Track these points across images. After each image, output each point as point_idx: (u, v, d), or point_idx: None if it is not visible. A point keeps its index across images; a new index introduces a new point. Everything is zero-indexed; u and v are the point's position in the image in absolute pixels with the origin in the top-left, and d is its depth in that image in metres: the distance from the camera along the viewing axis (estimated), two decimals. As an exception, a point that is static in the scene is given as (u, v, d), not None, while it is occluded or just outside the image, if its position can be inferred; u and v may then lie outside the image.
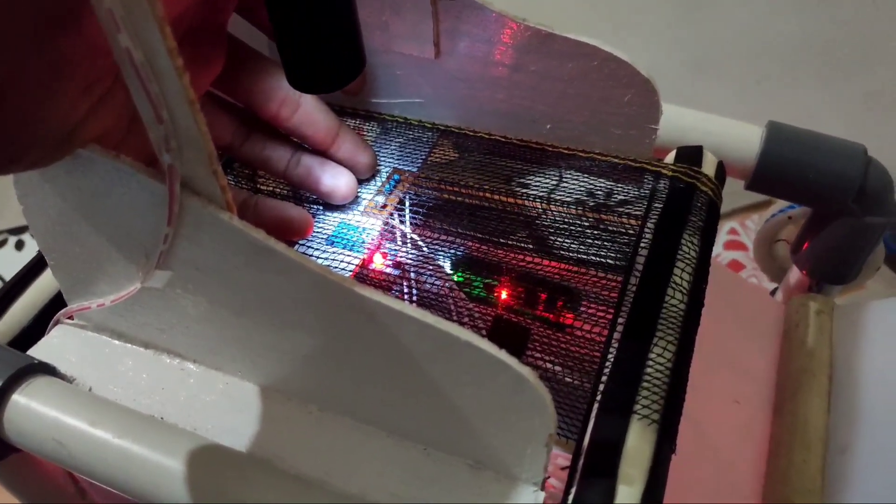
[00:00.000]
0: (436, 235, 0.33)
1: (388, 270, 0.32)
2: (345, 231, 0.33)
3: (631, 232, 0.31)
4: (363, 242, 0.33)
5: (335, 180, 0.33)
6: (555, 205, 0.33)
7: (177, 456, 0.23)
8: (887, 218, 0.34)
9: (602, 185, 0.33)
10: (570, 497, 0.22)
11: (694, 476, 0.32)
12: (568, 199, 0.33)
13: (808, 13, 0.72)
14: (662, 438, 0.23)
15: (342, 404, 0.25)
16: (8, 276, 0.81)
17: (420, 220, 0.33)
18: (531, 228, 0.33)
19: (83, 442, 0.24)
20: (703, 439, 0.34)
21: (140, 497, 0.23)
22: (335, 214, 0.34)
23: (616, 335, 0.26)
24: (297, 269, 0.21)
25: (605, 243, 0.31)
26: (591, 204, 0.33)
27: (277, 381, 0.26)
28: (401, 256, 0.32)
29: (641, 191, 0.32)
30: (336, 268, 0.31)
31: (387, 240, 0.33)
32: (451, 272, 0.32)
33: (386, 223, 0.33)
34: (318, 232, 0.33)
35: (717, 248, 0.79)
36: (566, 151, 0.34)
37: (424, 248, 0.32)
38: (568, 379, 0.28)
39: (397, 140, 0.37)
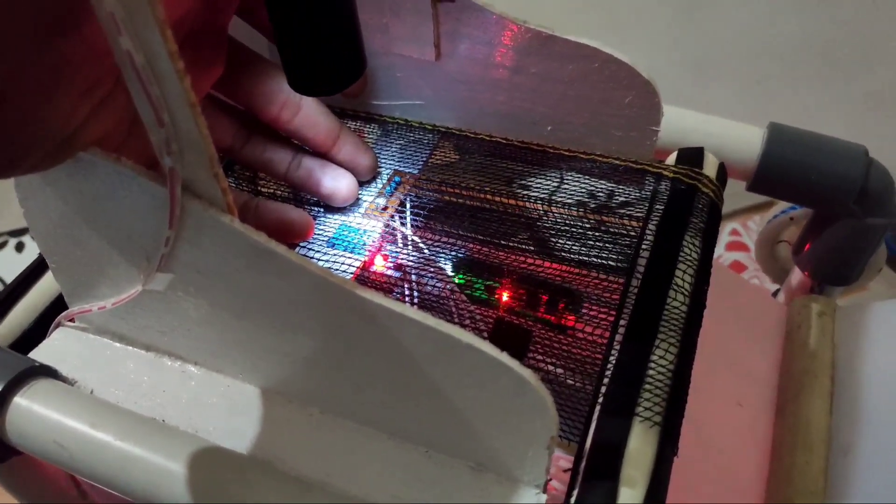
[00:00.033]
0: (437, 237, 0.33)
1: (390, 272, 0.32)
2: (346, 233, 0.33)
3: (632, 234, 0.31)
4: (364, 244, 0.33)
5: (336, 182, 0.33)
6: (556, 206, 0.33)
7: (178, 458, 0.23)
8: (889, 219, 0.34)
9: (603, 186, 0.33)
10: (573, 499, 0.22)
11: (696, 478, 0.32)
12: (569, 201, 0.33)
13: (808, 13, 0.72)
14: (664, 440, 0.22)
15: (343, 406, 0.25)
16: (8, 279, 0.81)
17: (421, 222, 0.33)
18: (532, 230, 0.33)
19: (84, 444, 0.24)
20: (705, 441, 0.34)
21: (141, 499, 0.23)
22: (336, 217, 0.34)
23: (618, 337, 0.26)
24: (298, 271, 0.21)
25: (607, 245, 0.31)
26: (593, 206, 0.33)
27: (279, 384, 0.26)
28: (402, 258, 0.32)
29: (643, 192, 0.32)
30: (337, 270, 0.31)
31: (388, 242, 0.33)
32: (453, 274, 0.32)
33: (387, 225, 0.33)
34: (318, 234, 0.33)
35: (719, 250, 0.79)
36: (567, 153, 0.34)
37: (425, 250, 0.32)
38: (570, 381, 0.28)
39: (398, 142, 0.37)
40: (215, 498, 0.22)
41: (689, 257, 0.28)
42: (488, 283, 0.31)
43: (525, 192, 0.33)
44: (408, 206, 0.34)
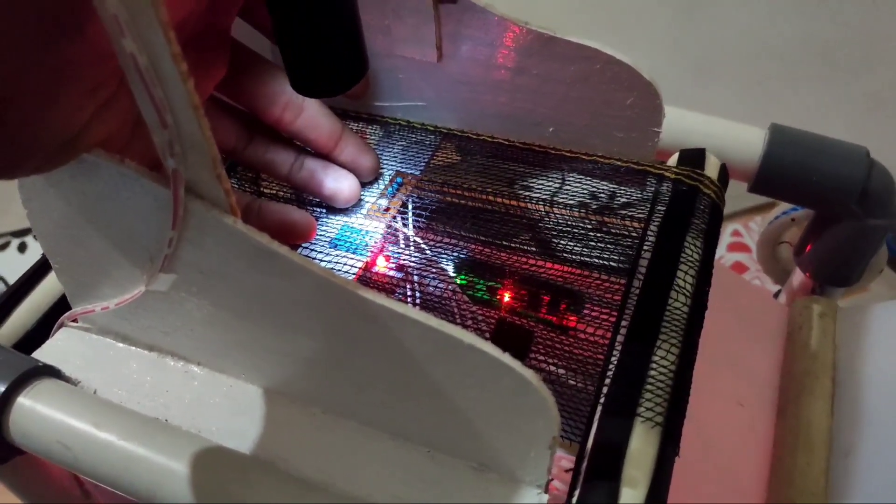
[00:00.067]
0: (439, 238, 0.33)
1: (392, 273, 0.32)
2: (348, 234, 0.33)
3: (634, 234, 0.31)
4: (366, 245, 0.33)
5: (338, 183, 0.33)
6: (558, 207, 0.33)
7: (181, 458, 0.23)
8: (890, 220, 0.34)
9: (605, 187, 0.33)
10: (574, 499, 0.22)
11: (697, 478, 0.32)
12: (571, 202, 0.33)
13: (808, 14, 0.72)
14: (666, 441, 0.23)
15: (345, 407, 0.25)
16: (11, 279, 0.81)
17: (423, 222, 0.33)
18: (534, 231, 0.33)
19: (88, 444, 0.24)
20: (706, 441, 0.34)
21: (145, 499, 0.23)
22: (338, 217, 0.34)
23: (619, 338, 0.26)
24: (300, 272, 0.21)
25: (608, 246, 0.31)
26: (594, 207, 0.33)
27: (281, 384, 0.26)
28: (404, 259, 0.32)
29: (644, 193, 0.32)
30: (339, 271, 0.32)
31: (390, 243, 0.33)
32: (454, 275, 0.32)
33: (389, 226, 0.33)
34: (321, 235, 0.33)
35: (721, 250, 0.78)
36: (569, 154, 0.34)
37: (427, 251, 0.32)
38: (571, 381, 0.28)
39: (400, 143, 0.37)
40: (217, 498, 0.22)
41: (690, 258, 0.28)
42: (490, 283, 0.31)
43: (527, 194, 0.33)
44: (410, 207, 0.34)
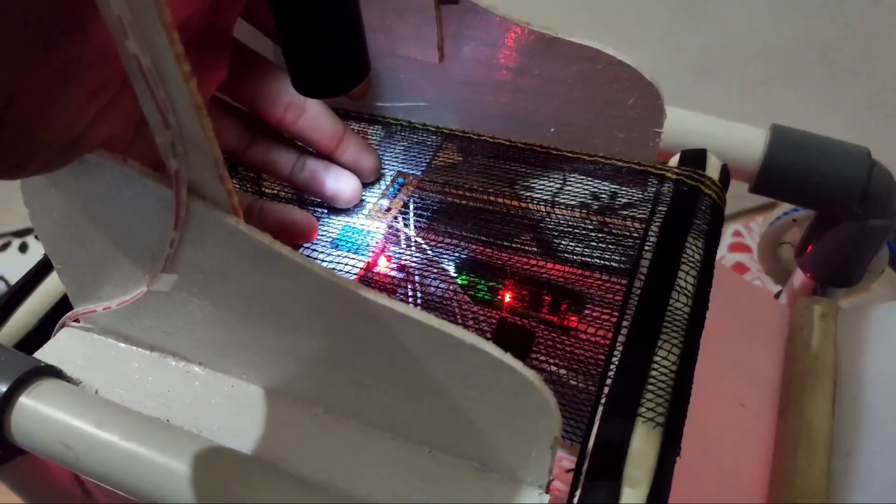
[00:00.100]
0: (440, 238, 0.33)
1: (393, 273, 0.32)
2: (349, 234, 0.33)
3: (635, 235, 0.31)
4: (368, 246, 0.33)
5: (339, 184, 0.33)
6: (559, 208, 0.33)
7: (182, 458, 0.23)
8: (891, 221, 0.34)
9: (606, 188, 0.33)
10: (575, 499, 0.22)
11: (698, 479, 0.32)
12: (572, 203, 0.33)
13: (810, 15, 0.72)
14: (667, 441, 0.23)
15: (347, 407, 0.25)
16: (12, 279, 0.81)
17: (424, 223, 0.34)
18: (535, 231, 0.33)
19: (89, 444, 0.24)
20: (707, 442, 0.34)
21: (146, 499, 0.23)
22: (340, 218, 0.34)
23: (620, 338, 0.26)
24: (302, 272, 0.21)
25: (610, 246, 0.31)
26: (596, 207, 0.33)
27: (282, 384, 0.26)
28: (405, 259, 0.32)
29: (645, 194, 0.32)
30: (341, 271, 0.32)
31: (391, 243, 0.33)
32: (456, 275, 0.32)
33: (390, 226, 0.33)
34: (322, 235, 0.34)
35: (721, 251, 0.78)
36: (570, 155, 0.34)
37: (428, 251, 0.32)
38: (572, 382, 0.28)
39: (401, 144, 0.37)
40: (219, 498, 0.22)
41: (691, 259, 0.28)
42: (491, 283, 0.31)
43: (528, 194, 0.34)
44: (411, 207, 0.34)
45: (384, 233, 0.33)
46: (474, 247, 0.32)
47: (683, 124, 0.34)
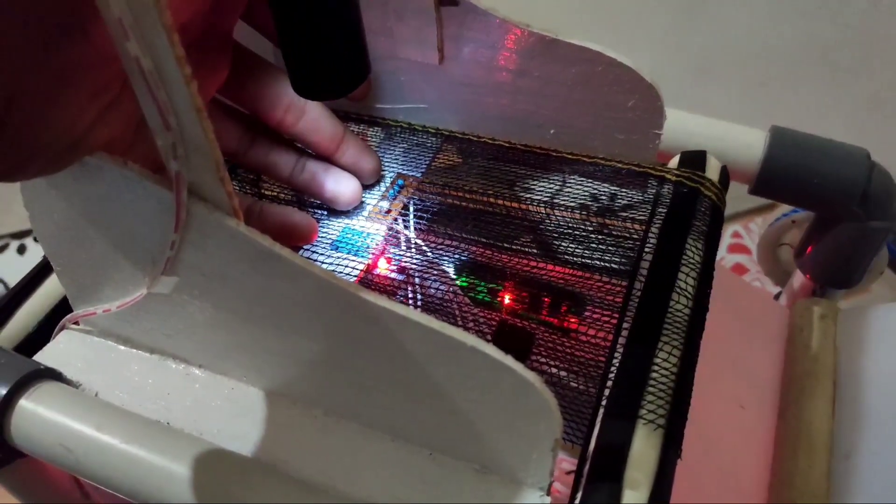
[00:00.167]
0: (440, 240, 0.33)
1: (393, 275, 0.32)
2: (349, 236, 0.33)
3: (635, 236, 0.31)
4: (368, 247, 0.33)
5: (339, 186, 0.33)
6: (559, 209, 0.33)
7: (182, 461, 0.23)
8: (891, 222, 0.34)
9: (606, 189, 0.33)
10: (576, 501, 0.22)
11: (699, 480, 0.32)
12: (572, 204, 0.33)
13: (810, 16, 0.72)
14: (668, 443, 0.23)
15: (347, 408, 0.25)
16: (10, 281, 0.81)
17: (424, 224, 0.34)
18: (535, 233, 0.33)
19: (89, 447, 0.24)
20: (707, 443, 0.34)
21: (146, 501, 0.23)
22: (340, 220, 0.34)
23: (621, 340, 0.26)
24: (302, 274, 0.21)
25: (610, 248, 0.31)
26: (595, 208, 0.33)
27: (283, 386, 0.26)
28: (405, 261, 0.32)
29: (645, 195, 0.32)
30: (341, 273, 0.32)
31: (391, 245, 0.33)
32: (456, 277, 0.32)
33: (390, 228, 0.33)
34: (322, 237, 0.33)
35: (721, 252, 0.78)
36: (570, 156, 0.34)
37: (428, 253, 0.32)
38: (573, 384, 0.28)
39: (401, 145, 0.37)
40: (219, 500, 0.22)
41: (691, 260, 0.28)
42: (491, 285, 0.31)
43: (528, 196, 0.34)
44: (411, 209, 0.34)
45: (384, 234, 0.33)
46: (474, 248, 0.32)
47: (683, 126, 0.34)
